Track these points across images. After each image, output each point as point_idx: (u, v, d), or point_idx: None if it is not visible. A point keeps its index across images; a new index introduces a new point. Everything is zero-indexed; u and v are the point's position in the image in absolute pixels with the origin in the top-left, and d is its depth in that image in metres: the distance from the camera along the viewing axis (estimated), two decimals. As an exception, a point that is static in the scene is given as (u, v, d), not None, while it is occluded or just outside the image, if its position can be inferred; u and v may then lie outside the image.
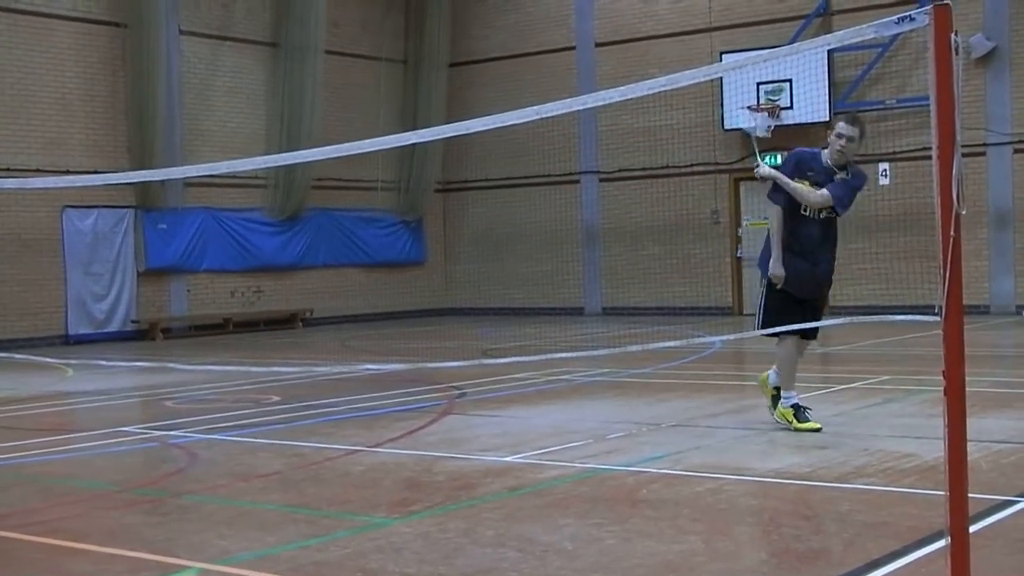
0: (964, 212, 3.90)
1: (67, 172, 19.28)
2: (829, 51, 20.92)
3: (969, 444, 4.04)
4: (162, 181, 20.87)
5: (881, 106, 21.46)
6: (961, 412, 3.94)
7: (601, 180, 24.74)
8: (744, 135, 22.35)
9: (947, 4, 3.86)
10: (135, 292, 21.29)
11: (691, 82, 4.61)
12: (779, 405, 8.45)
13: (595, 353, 12.38)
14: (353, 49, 24.92)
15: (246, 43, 23.12)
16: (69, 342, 20.22)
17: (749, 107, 21.92)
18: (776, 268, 8.31)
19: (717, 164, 23.24)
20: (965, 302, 4.02)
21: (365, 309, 25.03)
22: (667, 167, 23.74)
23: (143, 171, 17.97)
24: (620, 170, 24.43)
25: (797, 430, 8.24)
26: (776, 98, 21.87)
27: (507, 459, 7.60)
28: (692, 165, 23.51)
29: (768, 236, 8.48)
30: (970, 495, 4.01)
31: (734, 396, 10.82)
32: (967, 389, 3.99)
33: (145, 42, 20.78)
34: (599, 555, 5.10)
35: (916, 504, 5.98)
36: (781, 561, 5.08)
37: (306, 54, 23.03)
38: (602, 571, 4.85)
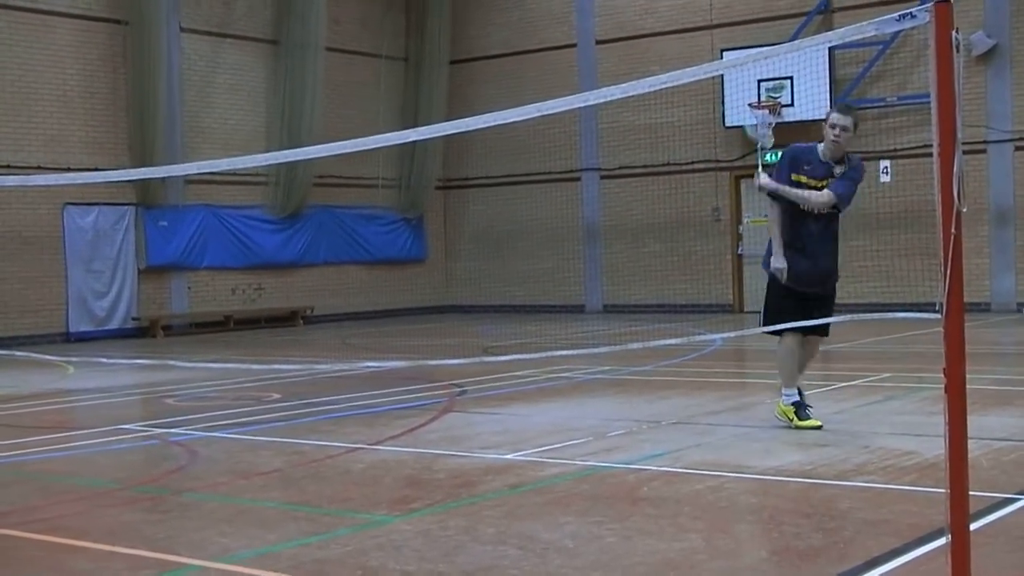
0: (965, 209, 3.89)
1: (68, 169, 19.27)
2: (830, 48, 20.90)
3: (970, 442, 4.04)
4: (163, 178, 20.88)
5: (882, 103, 21.45)
6: (962, 409, 3.93)
7: (602, 177, 24.74)
8: (745, 134, 22.34)
9: (948, 1, 3.86)
10: (136, 289, 21.29)
11: (692, 79, 4.60)
12: (780, 402, 8.45)
13: (596, 351, 12.38)
14: (354, 46, 24.91)
15: (247, 40, 23.12)
16: (70, 339, 20.23)
17: (751, 104, 21.91)
18: (778, 261, 8.29)
19: (718, 161, 23.24)
20: (966, 299, 4.01)
21: (366, 306, 25.03)
22: (668, 164, 23.73)
23: (144, 168, 18.02)
24: (621, 167, 24.42)
25: (798, 428, 8.23)
26: (777, 95, 21.86)
27: (508, 457, 7.60)
28: (693, 162, 23.50)
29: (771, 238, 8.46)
30: (971, 493, 4.00)
31: (735, 394, 10.82)
32: (968, 387, 3.98)
33: (146, 39, 20.77)
34: (600, 553, 5.10)
35: (917, 502, 5.98)
36: (781, 559, 5.08)
37: (307, 51, 23.02)
38: (603, 569, 4.85)
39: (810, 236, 8.29)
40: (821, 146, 8.27)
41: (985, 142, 20.66)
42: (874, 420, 8.70)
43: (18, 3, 19.81)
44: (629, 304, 24.28)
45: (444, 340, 18.61)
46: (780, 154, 8.64)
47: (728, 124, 22.64)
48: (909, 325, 16.14)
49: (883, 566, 4.75)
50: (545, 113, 4.80)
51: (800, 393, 8.45)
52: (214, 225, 22.37)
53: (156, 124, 20.91)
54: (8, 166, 19.31)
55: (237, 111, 22.94)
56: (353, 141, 5.82)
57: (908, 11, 3.96)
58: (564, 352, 13.51)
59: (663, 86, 4.51)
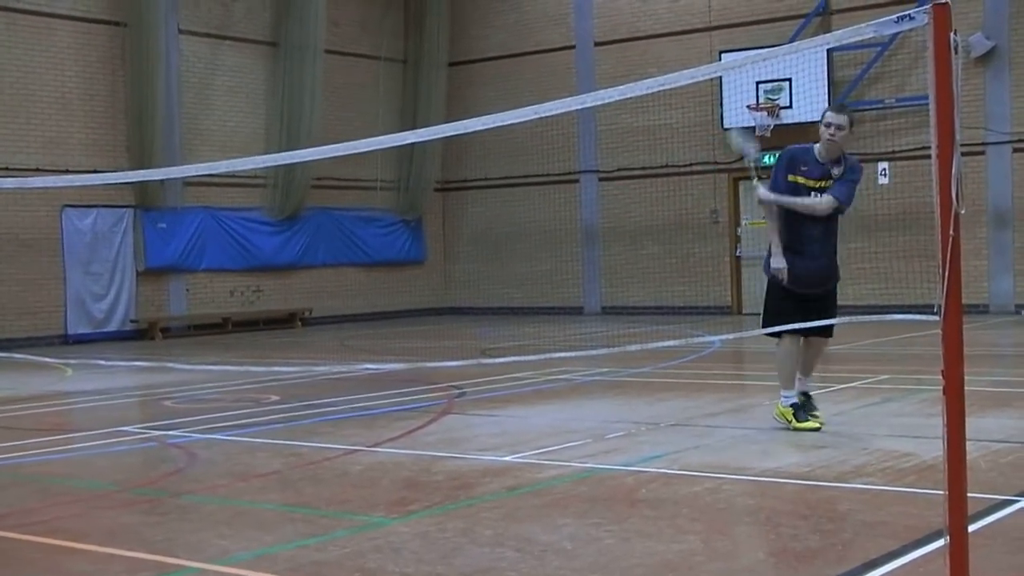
0: (963, 211, 3.89)
1: (66, 171, 19.27)
2: (828, 50, 20.92)
3: (968, 443, 4.04)
4: (161, 180, 20.87)
5: (880, 105, 21.46)
6: (960, 411, 3.93)
7: (600, 179, 24.74)
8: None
9: (946, 3, 3.86)
10: (134, 292, 21.28)
11: (690, 81, 4.60)
12: (778, 404, 8.45)
13: (594, 352, 12.38)
14: (352, 48, 24.92)
15: (246, 42, 23.12)
16: (68, 342, 20.22)
17: (749, 106, 21.93)
18: (777, 261, 8.28)
19: (716, 163, 23.24)
20: (964, 301, 4.01)
21: (364, 308, 25.02)
22: (666, 166, 23.73)
23: (142, 170, 17.98)
24: (619, 169, 24.43)
25: (796, 429, 8.23)
26: (775, 97, 21.88)
27: (506, 459, 7.60)
28: (691, 164, 23.51)
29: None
30: (969, 494, 4.00)
31: (733, 396, 10.82)
32: (966, 388, 3.98)
33: (145, 41, 20.78)
34: (598, 555, 5.10)
35: (915, 503, 5.98)
36: (779, 561, 5.07)
37: (305, 53, 23.03)
38: (601, 571, 4.85)
39: (809, 237, 8.28)
40: (818, 146, 8.26)
41: (983, 144, 20.67)
42: (872, 422, 8.70)
43: (18, 5, 19.81)
44: (627, 306, 24.29)
45: (442, 342, 18.61)
46: (777, 156, 8.64)
47: (726, 126, 22.61)
48: (907, 327, 16.15)
49: (881, 568, 4.75)
50: (543, 115, 4.80)
51: (808, 395, 8.46)
52: (213, 227, 22.37)
53: (155, 126, 20.92)
54: (7, 168, 19.30)
55: (236, 113, 22.94)
56: (352, 143, 5.82)
57: (906, 13, 3.96)
58: (562, 354, 13.50)
59: (661, 88, 4.51)
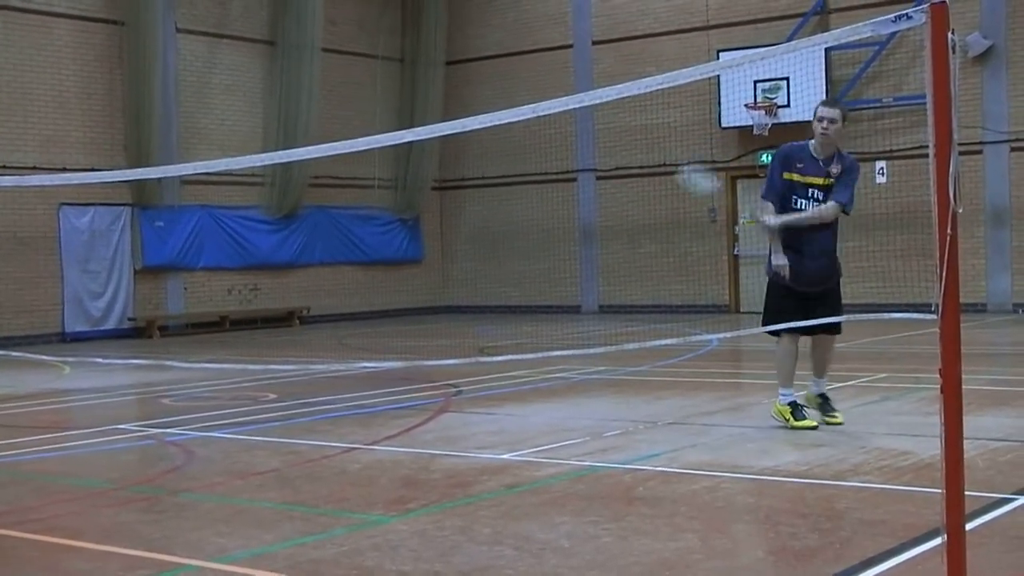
0: (961, 210, 3.89)
1: (64, 170, 19.26)
2: (826, 49, 20.94)
3: (966, 442, 4.04)
4: (159, 179, 20.87)
5: (878, 104, 21.46)
6: (958, 410, 3.94)
7: (598, 178, 24.74)
8: (742, 132, 22.40)
9: (944, 3, 3.86)
10: (132, 290, 21.27)
11: (688, 80, 4.60)
12: (776, 402, 8.46)
13: (592, 351, 12.37)
14: (350, 47, 24.90)
15: (243, 41, 23.11)
16: (66, 339, 20.21)
17: (747, 105, 21.93)
18: (778, 258, 8.28)
19: (714, 162, 23.22)
20: (962, 300, 4.02)
21: (362, 307, 25.01)
22: (664, 165, 23.71)
23: (140, 169, 17.99)
24: (617, 168, 24.43)
25: (794, 428, 8.24)
26: (773, 96, 21.88)
27: (504, 457, 7.60)
28: (689, 163, 23.48)
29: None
30: (966, 493, 4.00)
31: (731, 394, 10.83)
32: (964, 387, 3.99)
33: (142, 40, 20.76)
34: (596, 553, 5.10)
35: (913, 502, 5.99)
36: (778, 559, 5.08)
37: (303, 52, 23.01)
38: (598, 569, 4.85)
39: (809, 236, 8.27)
40: (812, 143, 8.26)
41: (981, 143, 20.69)
42: (870, 420, 8.70)
43: (15, 3, 19.79)
44: (625, 305, 24.29)
45: (440, 340, 18.61)
46: (772, 154, 8.64)
47: (724, 125, 22.65)
48: (905, 326, 16.16)
49: (879, 566, 4.75)
50: (541, 114, 4.79)
51: (825, 397, 8.49)
52: (210, 225, 22.36)
53: (152, 124, 20.90)
54: (4, 166, 19.29)
55: (233, 112, 22.93)
56: (349, 142, 5.81)
57: (904, 12, 3.96)
58: (560, 352, 13.51)
59: (659, 87, 4.51)
